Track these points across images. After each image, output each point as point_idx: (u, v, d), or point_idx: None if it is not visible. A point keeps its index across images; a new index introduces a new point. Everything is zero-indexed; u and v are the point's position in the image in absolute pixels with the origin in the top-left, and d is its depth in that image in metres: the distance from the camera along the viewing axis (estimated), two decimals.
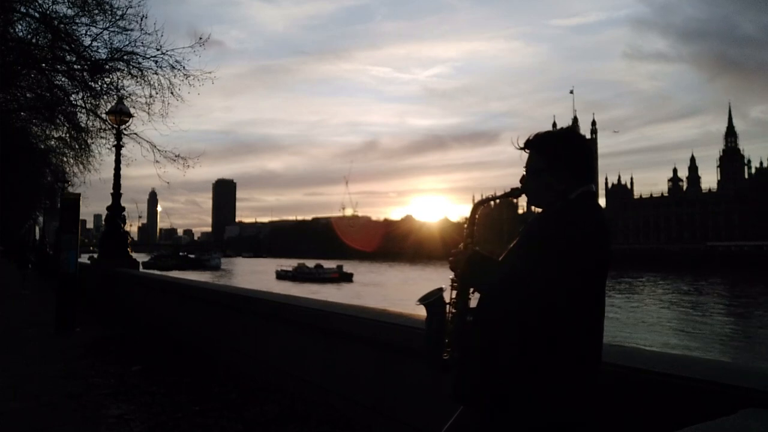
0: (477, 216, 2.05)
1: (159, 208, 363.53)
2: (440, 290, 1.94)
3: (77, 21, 13.23)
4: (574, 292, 1.66)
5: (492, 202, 2.29)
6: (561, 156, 1.86)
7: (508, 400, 1.70)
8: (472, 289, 1.90)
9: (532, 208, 1.99)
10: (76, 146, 18.17)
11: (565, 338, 1.67)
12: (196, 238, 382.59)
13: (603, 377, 2.06)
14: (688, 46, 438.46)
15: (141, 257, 32.96)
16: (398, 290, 48.06)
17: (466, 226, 1.99)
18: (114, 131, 13.32)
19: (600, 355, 1.79)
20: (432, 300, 1.93)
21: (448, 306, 1.92)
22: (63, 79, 14.85)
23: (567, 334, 1.68)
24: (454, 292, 1.92)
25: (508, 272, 1.74)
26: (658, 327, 28.57)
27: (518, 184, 1.96)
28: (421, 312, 2.01)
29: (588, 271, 1.71)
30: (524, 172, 1.95)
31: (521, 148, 1.95)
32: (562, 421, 1.66)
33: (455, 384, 1.86)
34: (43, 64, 14.11)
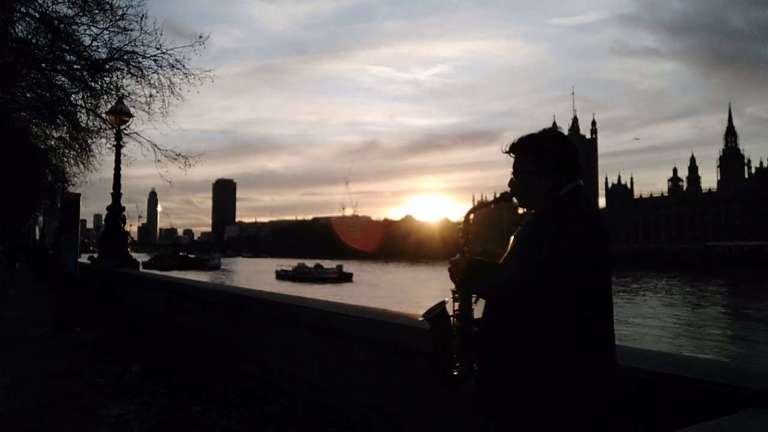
0: (470, 222, 2.09)
1: (159, 208, 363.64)
2: (443, 303, 1.92)
3: (77, 21, 13.24)
4: (578, 289, 1.66)
5: (490, 206, 2.31)
6: (546, 156, 1.89)
7: (521, 403, 1.70)
8: (475, 299, 1.90)
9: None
10: (76, 146, 18.19)
11: (572, 338, 1.67)
12: (196, 238, 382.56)
13: None
14: (679, 41, 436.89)
15: (141, 257, 32.93)
16: (400, 290, 48.06)
17: (460, 234, 2.00)
18: (114, 131, 13.32)
19: (613, 352, 1.77)
20: (435, 314, 1.91)
21: (452, 318, 1.91)
22: (63, 79, 14.86)
23: (573, 333, 1.67)
24: (457, 304, 1.91)
25: (513, 274, 1.75)
26: (658, 327, 28.55)
27: (508, 188, 1.99)
28: (421, 311, 2.00)
29: (589, 266, 1.71)
30: (512, 176, 1.97)
31: (507, 152, 1.98)
32: (570, 422, 1.66)
33: (479, 399, 1.85)
34: (43, 64, 14.10)
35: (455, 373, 1.87)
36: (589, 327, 1.71)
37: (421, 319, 1.96)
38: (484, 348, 1.84)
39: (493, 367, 1.78)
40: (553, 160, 1.88)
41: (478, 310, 1.91)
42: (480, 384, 1.84)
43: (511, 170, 1.97)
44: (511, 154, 1.97)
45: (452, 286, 1.94)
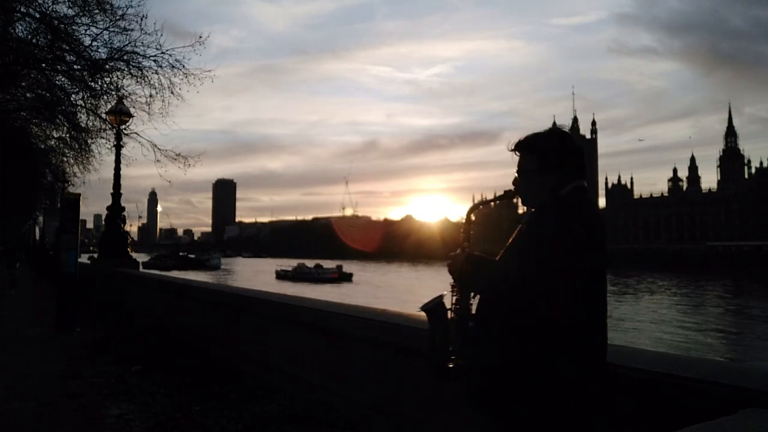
0: (472, 220, 2.11)
1: (159, 208, 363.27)
2: (440, 296, 1.95)
3: (77, 21, 13.26)
4: (574, 289, 1.67)
5: (491, 203, 2.32)
6: (550, 155, 1.90)
7: (514, 402, 1.70)
8: (473, 294, 1.91)
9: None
10: (76, 146, 18.19)
11: (567, 337, 1.67)
12: (196, 238, 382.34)
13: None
14: (678, 41, 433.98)
15: (141, 257, 32.92)
16: (400, 291, 48.05)
17: (462, 230, 2.02)
18: (114, 131, 13.33)
19: (605, 351, 1.79)
20: (432, 305, 1.93)
21: (449, 312, 1.92)
22: (63, 79, 14.88)
23: (569, 332, 1.68)
24: (455, 297, 1.93)
25: (512, 272, 1.75)
26: (659, 327, 28.56)
27: (512, 186, 2.00)
28: (421, 312, 2.01)
29: (585, 266, 1.71)
30: (516, 174, 1.99)
31: (512, 150, 1.99)
32: (567, 422, 1.66)
33: (467, 391, 1.86)
34: (43, 64, 14.12)
35: (450, 366, 1.88)
36: (588, 327, 1.72)
37: (419, 309, 1.99)
38: (478, 343, 1.84)
39: (492, 364, 1.78)
40: (557, 158, 1.89)
41: (476, 305, 1.92)
42: (472, 378, 1.84)
43: (516, 168, 1.98)
44: (517, 152, 1.98)
45: (451, 281, 1.96)
